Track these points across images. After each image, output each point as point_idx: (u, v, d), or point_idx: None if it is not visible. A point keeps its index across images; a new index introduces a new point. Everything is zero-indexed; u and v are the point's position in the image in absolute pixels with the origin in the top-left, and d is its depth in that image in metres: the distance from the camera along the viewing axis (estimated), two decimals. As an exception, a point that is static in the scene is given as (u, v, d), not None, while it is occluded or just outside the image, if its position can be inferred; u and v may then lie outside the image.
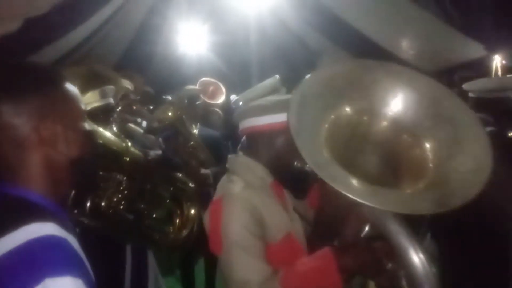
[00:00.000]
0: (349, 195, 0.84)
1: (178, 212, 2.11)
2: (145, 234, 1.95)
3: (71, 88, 0.85)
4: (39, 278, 0.63)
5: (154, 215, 2.03)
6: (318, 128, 1.04)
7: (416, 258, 0.84)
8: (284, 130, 1.24)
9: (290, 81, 4.58)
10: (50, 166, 0.78)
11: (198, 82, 3.59)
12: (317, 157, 0.96)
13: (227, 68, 4.72)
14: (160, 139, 2.72)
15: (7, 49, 2.21)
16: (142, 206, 1.98)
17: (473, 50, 3.64)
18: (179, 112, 2.45)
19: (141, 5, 3.84)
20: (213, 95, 3.72)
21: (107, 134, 1.89)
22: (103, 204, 1.76)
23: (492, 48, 3.58)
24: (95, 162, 1.02)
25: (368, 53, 4.48)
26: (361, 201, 0.84)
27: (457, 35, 3.37)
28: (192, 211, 2.13)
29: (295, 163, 1.28)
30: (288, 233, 1.27)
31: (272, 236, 1.22)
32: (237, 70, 4.71)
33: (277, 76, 2.55)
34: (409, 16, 2.96)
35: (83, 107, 0.86)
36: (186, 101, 2.91)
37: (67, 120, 0.80)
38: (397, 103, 1.08)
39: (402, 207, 0.90)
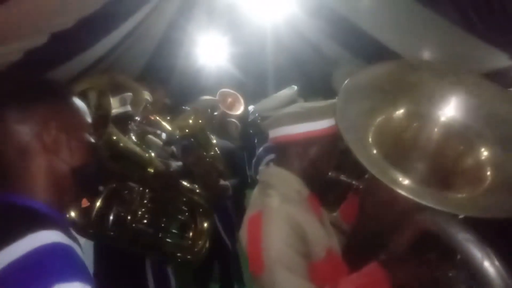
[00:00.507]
0: (415, 198, 0.77)
1: (193, 225, 2.07)
2: (165, 249, 1.91)
3: (78, 101, 0.89)
4: (49, 285, 0.64)
5: (172, 229, 2.01)
6: (365, 131, 0.99)
7: (492, 268, 0.75)
8: (319, 139, 1.21)
9: (307, 91, 4.57)
10: (53, 174, 0.80)
11: (218, 92, 3.62)
12: (376, 162, 0.90)
13: (246, 78, 4.77)
14: (178, 150, 2.73)
15: (35, 62, 2.33)
16: (164, 219, 1.94)
17: (497, 59, 3.53)
18: (200, 121, 2.44)
19: (162, 19, 3.95)
20: (232, 106, 3.73)
21: (131, 144, 1.89)
22: (128, 217, 1.75)
23: (517, 57, 3.46)
24: (99, 173, 1.05)
25: (386, 61, 4.40)
26: (429, 205, 0.77)
27: (479, 43, 3.28)
28: (205, 225, 2.07)
29: (330, 174, 1.24)
30: (329, 249, 1.21)
31: (315, 254, 1.15)
32: (255, 81, 4.75)
33: (295, 87, 2.54)
34: (428, 24, 2.91)
35: (88, 120, 0.89)
36: (209, 110, 2.93)
37: (71, 130, 0.83)
38: (448, 106, 1.01)
39: (471, 210, 0.82)
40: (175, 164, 2.16)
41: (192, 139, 2.55)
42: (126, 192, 1.83)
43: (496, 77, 4.25)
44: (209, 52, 4.63)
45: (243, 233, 1.23)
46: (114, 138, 1.76)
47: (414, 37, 3.19)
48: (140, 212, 1.81)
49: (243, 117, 3.74)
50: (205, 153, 2.45)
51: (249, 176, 3.16)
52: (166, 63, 4.49)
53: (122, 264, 1.93)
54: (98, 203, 1.68)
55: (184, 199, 2.06)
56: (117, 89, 2.17)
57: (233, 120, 3.65)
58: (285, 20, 3.65)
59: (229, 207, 3.09)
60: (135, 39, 3.83)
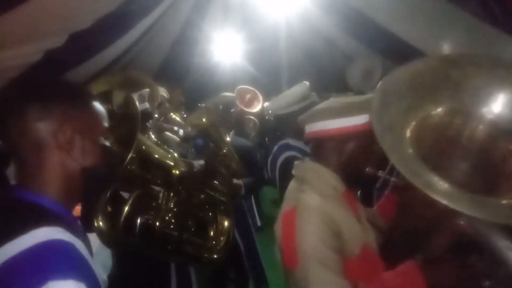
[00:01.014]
0: (449, 203, 0.73)
1: (214, 224, 2.00)
2: (190, 250, 1.83)
3: (97, 105, 0.92)
4: (43, 281, 0.66)
5: (195, 230, 1.91)
6: (402, 130, 0.95)
7: None
8: (357, 134, 1.19)
9: (321, 86, 4.53)
10: (64, 171, 0.83)
11: (236, 89, 3.60)
12: (411, 164, 0.86)
13: (260, 75, 4.77)
14: (191, 148, 2.69)
15: (54, 63, 2.39)
16: (190, 223, 1.86)
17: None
18: (213, 118, 2.41)
19: (177, 17, 3.99)
20: (250, 103, 3.70)
21: (155, 147, 1.79)
22: (157, 224, 1.67)
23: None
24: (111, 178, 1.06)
25: (404, 56, 4.31)
26: (464, 211, 0.73)
27: (502, 36, 3.16)
28: (226, 223, 2.00)
29: (367, 169, 1.22)
30: (365, 245, 1.20)
31: (350, 250, 1.14)
32: (269, 77, 4.74)
33: (306, 83, 2.51)
34: (447, 16, 2.83)
35: (106, 124, 0.92)
36: (221, 107, 2.85)
37: (87, 132, 0.87)
38: (496, 103, 0.94)
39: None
40: (198, 164, 2.07)
41: (204, 137, 2.51)
42: (151, 197, 1.76)
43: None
44: (224, 49, 4.65)
45: (278, 228, 1.22)
46: (143, 147, 1.70)
47: (432, 29, 3.11)
48: (167, 217, 1.73)
49: (262, 114, 3.71)
50: (217, 151, 2.40)
51: (266, 172, 3.12)
52: (181, 61, 4.54)
53: (146, 269, 1.89)
54: (124, 210, 1.60)
55: (206, 197, 2.00)
56: (132, 85, 2.19)
57: (252, 117, 3.61)
58: (298, 15, 3.62)
59: (243, 206, 3.07)
60: (151, 38, 3.88)
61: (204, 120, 2.40)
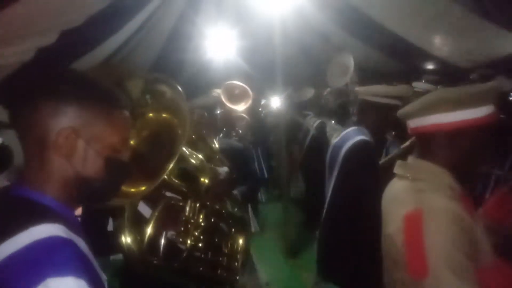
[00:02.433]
0: None
1: (230, 242, 1.72)
2: (214, 274, 1.56)
3: (124, 116, 0.85)
4: (41, 278, 0.65)
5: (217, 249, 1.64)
6: None
7: None
8: (472, 128, 1.09)
9: (317, 82, 4.52)
10: (62, 175, 0.80)
11: (222, 85, 3.47)
12: None
13: (255, 72, 4.75)
14: None
15: (46, 60, 2.37)
16: (216, 240, 1.61)
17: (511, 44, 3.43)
18: (199, 130, 2.20)
19: (171, 13, 3.96)
20: (239, 99, 3.56)
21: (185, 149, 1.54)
22: (187, 241, 1.41)
23: (533, 41, 3.35)
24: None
25: (399, 51, 4.35)
26: None
27: (494, 28, 3.19)
28: (241, 240, 1.73)
29: (480, 167, 1.14)
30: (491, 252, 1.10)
31: (483, 257, 1.04)
32: (264, 74, 4.73)
33: (413, 85, 2.38)
34: (440, 10, 2.84)
35: (124, 135, 0.85)
36: (206, 114, 2.56)
37: (94, 140, 0.81)
38: None
39: None
40: (223, 171, 1.83)
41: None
42: (177, 210, 1.49)
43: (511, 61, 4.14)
44: (217, 45, 4.62)
45: (397, 232, 1.10)
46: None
47: (427, 24, 3.11)
48: (196, 234, 1.46)
49: (254, 110, 3.60)
50: (208, 162, 2.19)
51: (263, 172, 2.97)
52: (175, 57, 4.51)
53: None
54: (149, 229, 1.35)
55: (225, 210, 1.73)
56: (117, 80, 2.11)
57: (242, 115, 3.50)
58: (293, 11, 3.61)
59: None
60: (144, 34, 3.85)
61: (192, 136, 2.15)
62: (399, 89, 2.17)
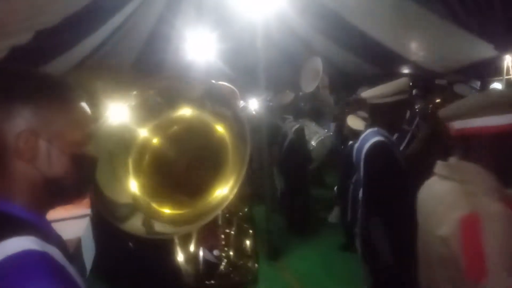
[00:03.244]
0: None
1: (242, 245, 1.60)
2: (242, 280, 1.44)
3: (82, 109, 0.80)
4: None
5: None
6: None
7: None
8: None
9: (298, 86, 4.57)
10: (27, 181, 0.75)
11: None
12: None
13: (236, 75, 4.75)
14: None
15: (19, 59, 2.28)
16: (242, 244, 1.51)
17: (483, 50, 3.59)
18: None
19: (149, 15, 3.91)
20: None
21: None
22: (230, 254, 1.33)
23: (502, 48, 3.53)
24: None
25: (377, 55, 4.46)
26: None
27: (465, 35, 3.33)
28: (249, 243, 1.63)
29: None
30: None
31: None
32: (246, 77, 4.74)
33: (407, 78, 2.43)
34: (417, 17, 2.93)
35: (86, 128, 0.81)
36: None
37: (57, 138, 0.76)
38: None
39: None
40: None
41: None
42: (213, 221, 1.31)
43: (483, 66, 4.34)
44: (198, 48, 4.59)
45: (452, 236, 1.10)
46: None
47: (403, 30, 3.21)
48: (230, 243, 1.38)
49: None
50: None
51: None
52: (155, 59, 4.45)
53: None
54: (192, 246, 1.22)
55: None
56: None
57: None
58: (274, 16, 3.64)
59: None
60: (123, 35, 3.79)
61: None
62: (400, 84, 2.26)
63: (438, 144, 2.43)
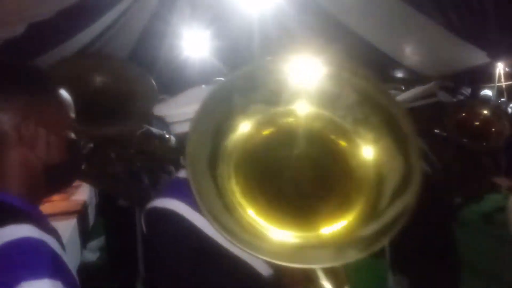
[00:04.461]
0: None
1: None
2: None
3: (64, 94, 0.84)
4: (15, 282, 0.61)
5: None
6: None
7: None
8: None
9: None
10: (25, 168, 0.77)
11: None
12: None
13: (230, 71, 4.73)
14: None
15: (12, 52, 2.24)
16: None
17: (476, 57, 3.64)
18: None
19: (144, 11, 3.87)
20: None
21: None
22: None
23: (495, 55, 3.58)
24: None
25: (371, 58, 4.49)
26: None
27: (459, 42, 3.37)
28: None
29: None
30: None
31: None
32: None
33: (436, 82, 2.42)
34: (411, 22, 2.96)
35: (72, 115, 0.85)
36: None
37: (52, 125, 0.80)
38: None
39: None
40: None
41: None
42: None
43: (475, 73, 4.41)
44: (193, 45, 4.57)
45: None
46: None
47: (397, 34, 3.24)
48: None
49: None
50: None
51: None
52: (149, 55, 4.41)
53: None
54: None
55: None
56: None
57: None
58: (271, 14, 3.63)
59: None
60: (116, 31, 3.75)
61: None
62: (430, 87, 2.29)
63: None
